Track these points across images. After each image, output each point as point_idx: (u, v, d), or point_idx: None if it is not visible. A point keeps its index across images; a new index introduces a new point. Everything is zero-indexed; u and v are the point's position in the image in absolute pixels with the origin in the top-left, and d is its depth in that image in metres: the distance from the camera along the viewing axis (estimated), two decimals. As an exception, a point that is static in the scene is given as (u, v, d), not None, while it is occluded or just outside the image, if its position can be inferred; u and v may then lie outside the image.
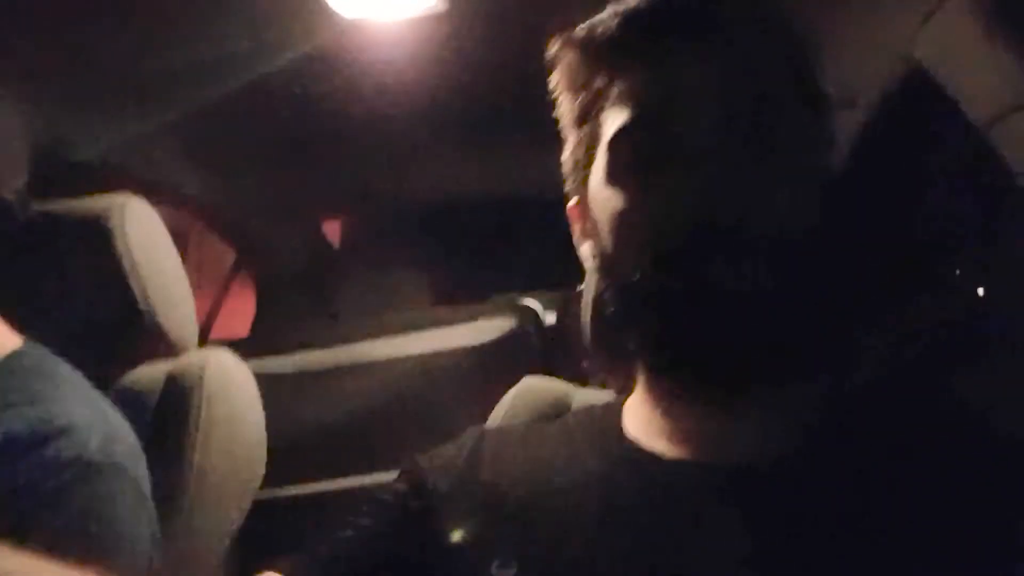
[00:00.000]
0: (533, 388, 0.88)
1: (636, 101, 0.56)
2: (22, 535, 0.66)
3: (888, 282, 0.83)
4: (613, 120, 0.57)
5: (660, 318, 0.54)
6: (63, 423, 0.73)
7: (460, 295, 1.91)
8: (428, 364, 1.44)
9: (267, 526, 1.18)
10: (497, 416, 0.87)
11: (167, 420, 0.97)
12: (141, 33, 1.16)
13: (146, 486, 0.80)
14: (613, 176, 0.57)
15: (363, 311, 2.03)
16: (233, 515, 1.03)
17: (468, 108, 1.44)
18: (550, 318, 1.60)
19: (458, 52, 1.21)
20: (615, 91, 0.57)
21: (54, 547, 0.66)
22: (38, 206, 1.02)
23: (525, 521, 0.57)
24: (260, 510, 1.14)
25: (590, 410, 0.67)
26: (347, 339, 1.58)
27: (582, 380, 0.94)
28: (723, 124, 0.53)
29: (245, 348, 1.60)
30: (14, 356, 0.81)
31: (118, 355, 1.03)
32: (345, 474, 1.34)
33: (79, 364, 0.87)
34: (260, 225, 2.01)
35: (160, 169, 1.58)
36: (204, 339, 2.16)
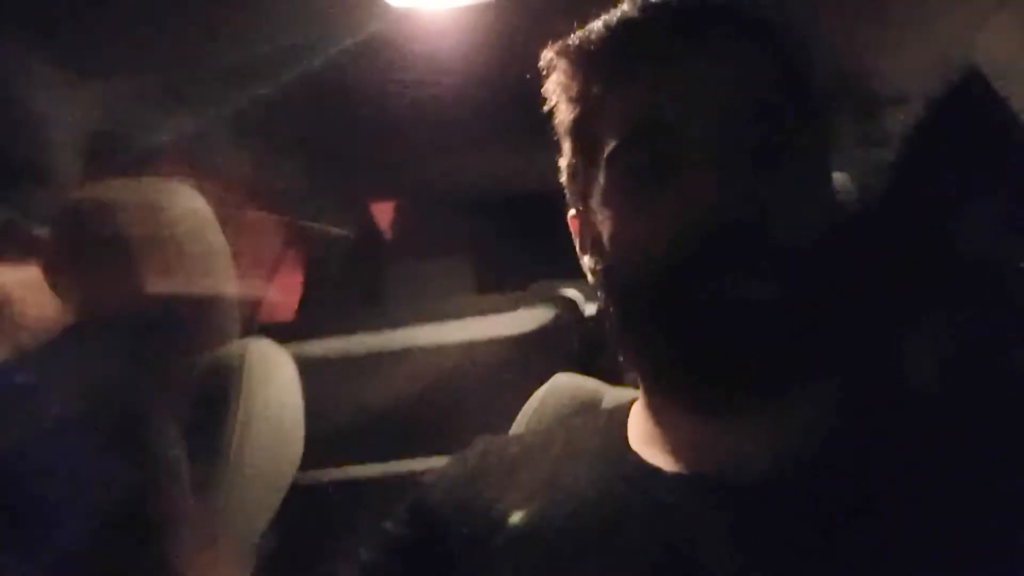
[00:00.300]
0: (562, 386, 0.88)
1: (633, 114, 0.55)
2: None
3: (916, 291, 0.80)
4: (611, 134, 0.56)
5: (664, 330, 0.53)
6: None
7: (505, 284, 1.91)
8: (468, 352, 1.44)
9: (307, 509, 1.21)
10: (526, 414, 0.87)
11: (208, 407, 1.00)
12: (202, 29, 1.18)
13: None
14: (614, 191, 0.56)
15: (409, 297, 2.05)
16: (271, 499, 1.05)
17: (517, 98, 1.44)
18: (590, 309, 1.59)
19: (508, 41, 1.20)
20: (611, 103, 0.56)
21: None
22: (91, 189, 1.05)
23: (525, 542, 0.57)
24: (300, 493, 1.17)
25: (599, 416, 0.67)
26: (391, 325, 1.59)
27: (620, 372, 0.93)
28: (721, 134, 0.52)
29: (291, 331, 1.64)
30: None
31: (165, 343, 1.05)
32: (385, 459, 1.36)
33: (127, 350, 0.89)
34: (309, 209, 2.04)
35: (213, 153, 1.61)
36: (253, 321, 2.21)
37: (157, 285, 1.01)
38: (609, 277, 0.58)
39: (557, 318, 1.45)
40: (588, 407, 0.85)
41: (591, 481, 0.58)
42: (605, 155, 0.56)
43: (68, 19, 1.06)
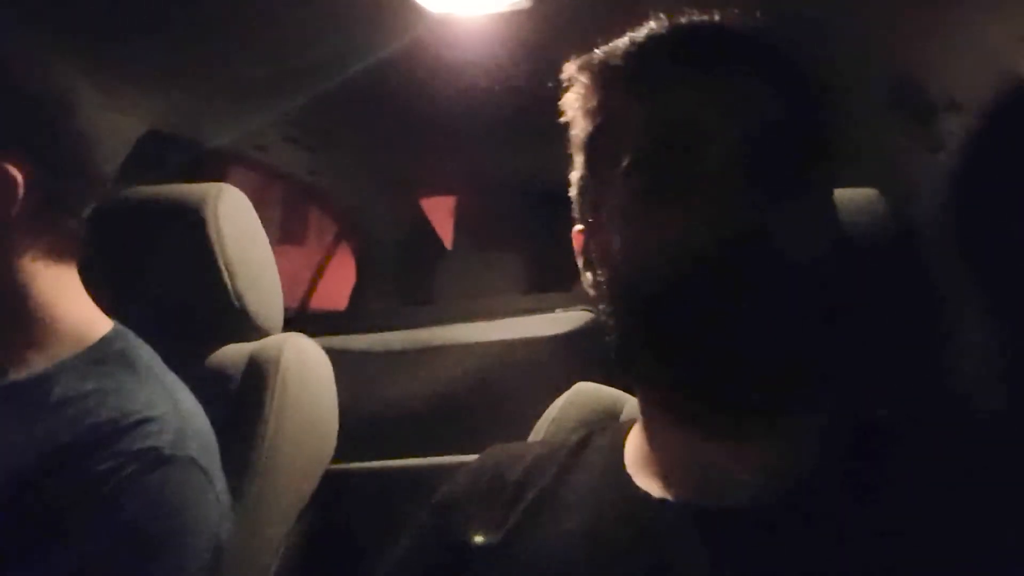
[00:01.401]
0: (582, 396, 0.89)
1: (652, 130, 0.55)
2: (92, 521, 0.73)
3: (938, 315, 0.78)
4: (629, 148, 0.56)
5: (669, 348, 0.54)
6: (140, 416, 0.79)
7: (552, 283, 1.92)
8: (506, 351, 1.46)
9: (341, 498, 1.25)
10: (545, 421, 0.88)
11: (246, 398, 1.04)
12: (252, 37, 1.23)
13: (218, 477, 0.85)
14: (628, 205, 0.56)
15: (457, 294, 2.08)
16: (302, 489, 1.09)
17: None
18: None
19: (546, 42, 1.21)
20: (631, 118, 0.57)
21: (121, 535, 0.73)
22: (138, 189, 1.10)
23: (512, 557, 0.58)
24: (334, 482, 1.21)
25: (606, 434, 0.67)
26: (437, 322, 1.62)
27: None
28: (739, 156, 0.52)
29: (340, 323, 1.68)
30: (104, 341, 0.87)
31: (207, 336, 1.10)
32: (420, 453, 1.39)
33: (170, 343, 0.93)
34: (360, 204, 2.08)
35: (266, 151, 1.66)
36: (305, 308, 2.28)
37: (193, 284, 1.06)
38: (615, 291, 0.58)
39: (592, 321, 1.45)
40: (607, 418, 0.86)
41: (584, 502, 0.59)
42: (622, 168, 0.56)
43: (118, 27, 1.11)
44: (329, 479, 1.17)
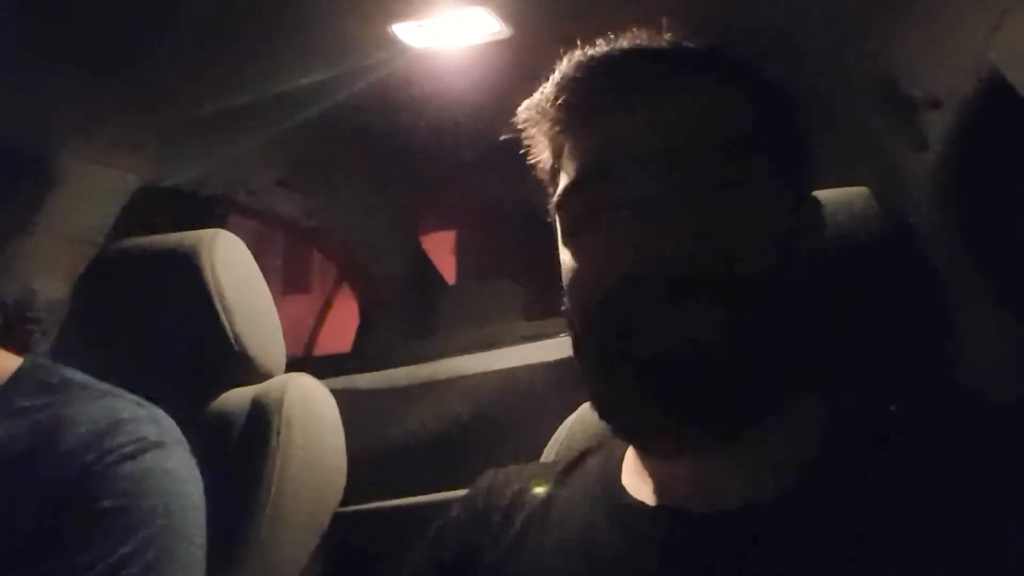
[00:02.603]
0: (589, 417, 0.88)
1: (576, 163, 0.58)
2: (109, 520, 0.72)
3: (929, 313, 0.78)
4: (562, 181, 0.59)
5: (605, 377, 0.55)
6: (112, 420, 0.77)
7: (552, 309, 1.91)
8: (510, 379, 1.45)
9: (356, 539, 1.23)
10: (555, 443, 0.88)
11: (250, 441, 1.03)
12: (230, 69, 1.24)
13: (194, 462, 0.84)
14: (562, 236, 0.59)
15: (459, 326, 2.08)
16: (311, 531, 1.08)
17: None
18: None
19: (528, 71, 1.23)
20: (564, 155, 0.60)
21: (144, 527, 0.72)
22: (133, 240, 1.11)
23: (506, 568, 0.59)
24: (348, 523, 1.19)
25: (602, 450, 0.67)
26: (441, 354, 1.61)
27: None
28: (650, 182, 0.54)
29: (344, 365, 1.68)
30: (18, 377, 0.83)
31: (209, 381, 1.09)
32: (432, 488, 1.37)
33: (172, 391, 0.93)
34: (359, 243, 2.09)
35: (257, 196, 1.67)
36: (310, 351, 2.27)
37: (192, 331, 1.06)
38: (568, 319, 0.59)
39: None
40: (612, 437, 0.85)
41: (581, 515, 0.60)
42: (555, 201, 0.59)
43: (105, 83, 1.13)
44: (339, 522, 1.15)
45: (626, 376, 0.52)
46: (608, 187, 0.55)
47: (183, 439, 0.84)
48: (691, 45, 0.58)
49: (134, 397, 0.84)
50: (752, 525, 0.51)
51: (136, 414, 0.80)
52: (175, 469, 0.78)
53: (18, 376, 0.83)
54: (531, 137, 0.63)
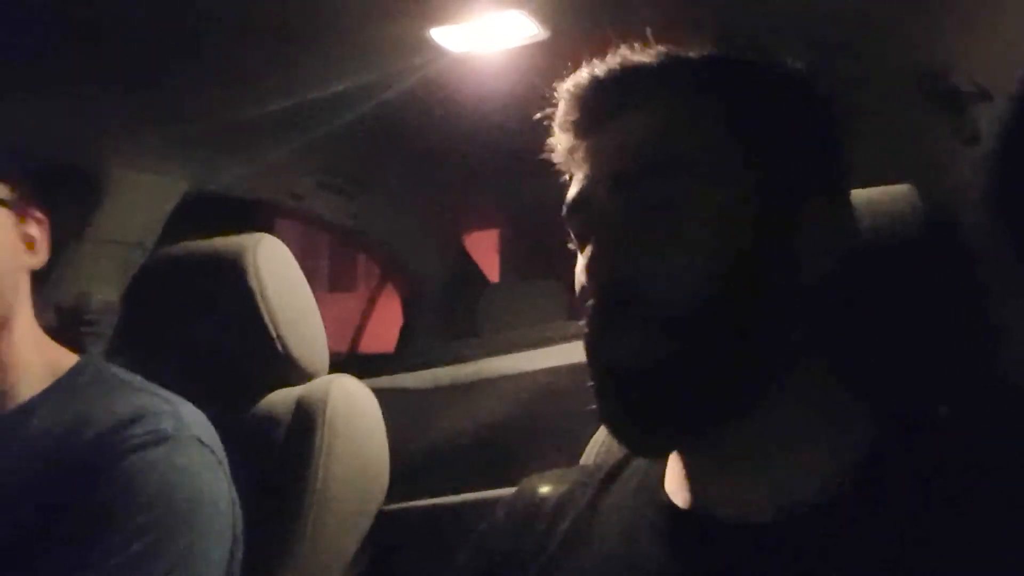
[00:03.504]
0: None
1: (573, 181, 0.60)
2: (110, 509, 0.75)
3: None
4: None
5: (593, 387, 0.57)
6: (134, 415, 0.80)
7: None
8: (553, 379, 1.45)
9: (399, 536, 1.25)
10: (595, 444, 0.87)
11: (295, 441, 1.05)
12: (270, 76, 1.26)
13: (223, 456, 0.86)
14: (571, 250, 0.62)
15: (503, 326, 2.08)
16: (356, 530, 1.10)
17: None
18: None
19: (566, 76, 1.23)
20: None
21: (140, 515, 0.74)
22: (180, 245, 1.14)
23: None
24: (391, 521, 1.21)
25: None
26: (484, 354, 1.62)
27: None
28: (612, 201, 0.55)
29: (388, 364, 1.69)
30: (74, 372, 0.88)
31: (254, 382, 1.12)
32: (475, 487, 1.38)
33: (218, 391, 0.95)
34: (400, 243, 2.11)
35: (302, 200, 1.70)
36: (354, 351, 2.30)
37: (237, 334, 1.08)
38: None
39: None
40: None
41: (624, 524, 0.59)
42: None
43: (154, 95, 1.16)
44: (383, 519, 1.17)
45: (594, 387, 0.56)
46: (572, 214, 0.58)
47: (208, 436, 0.85)
48: (665, 58, 0.58)
49: (166, 394, 0.87)
50: (786, 536, 0.50)
51: (159, 408, 0.83)
52: (185, 464, 0.80)
53: (75, 371, 0.88)
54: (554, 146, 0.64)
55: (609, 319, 0.54)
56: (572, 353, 1.50)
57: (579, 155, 0.59)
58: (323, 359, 1.18)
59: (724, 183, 0.54)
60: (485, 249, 2.51)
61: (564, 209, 0.59)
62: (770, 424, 0.54)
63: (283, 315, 1.10)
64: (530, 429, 1.38)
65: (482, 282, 2.35)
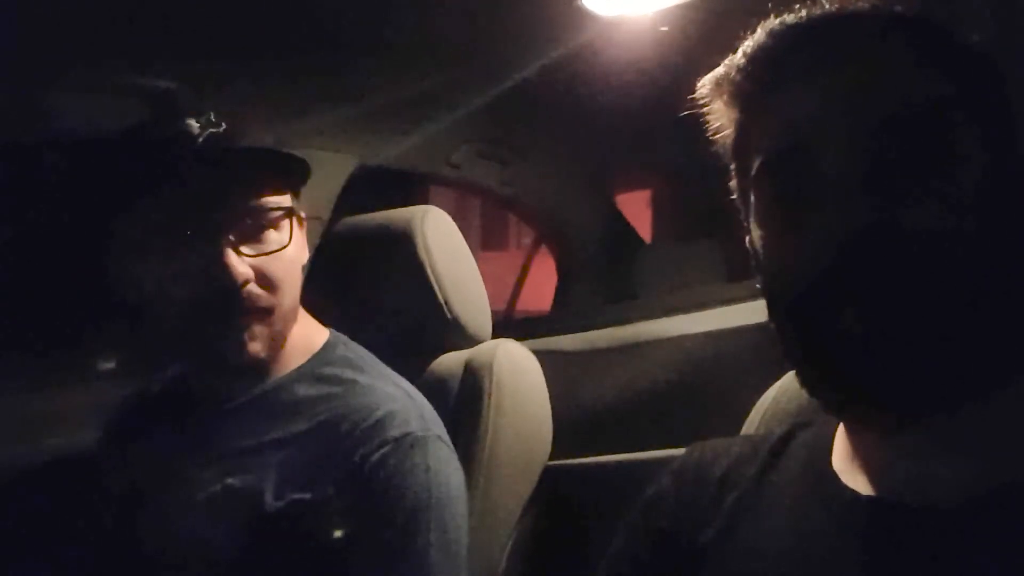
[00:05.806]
0: (794, 386, 0.86)
1: (771, 139, 0.55)
2: (374, 507, 0.82)
3: None
4: (757, 156, 0.56)
5: (809, 353, 0.54)
6: (384, 411, 0.87)
7: (753, 270, 1.85)
8: (712, 343, 1.44)
9: (564, 490, 1.29)
10: (759, 412, 0.87)
11: (465, 403, 1.12)
12: (427, 53, 1.31)
13: (453, 454, 0.92)
14: (759, 213, 0.57)
15: (658, 287, 2.07)
16: (523, 486, 1.15)
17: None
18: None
19: (722, 34, 1.20)
20: (756, 130, 0.57)
21: (405, 516, 0.81)
22: (355, 218, 1.22)
23: (718, 557, 0.59)
24: (556, 476, 1.26)
25: (810, 428, 0.65)
26: (641, 317, 1.63)
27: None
28: (854, 158, 0.51)
29: (545, 325, 1.73)
30: (326, 348, 0.97)
31: (426, 346, 1.19)
32: (632, 449, 1.40)
33: (394, 355, 1.03)
34: (554, 207, 2.13)
35: (460, 168, 1.76)
36: (511, 312, 2.36)
37: (410, 300, 1.15)
38: (765, 299, 0.59)
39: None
40: (819, 409, 0.83)
41: (792, 501, 0.59)
42: (751, 179, 0.57)
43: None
44: (548, 476, 1.22)
45: (844, 353, 0.51)
46: (808, 164, 0.53)
47: (443, 430, 0.92)
48: (891, 9, 0.55)
49: (405, 385, 0.94)
50: (975, 521, 0.49)
51: (405, 406, 0.89)
52: (436, 466, 0.86)
53: (326, 347, 0.96)
54: (713, 111, 0.62)
55: (895, 270, 0.49)
56: (733, 317, 1.48)
57: (797, 97, 0.54)
58: (486, 325, 1.24)
59: (992, 125, 0.52)
60: (638, 209, 2.49)
61: (774, 154, 0.55)
62: (1005, 405, 0.51)
63: (450, 283, 1.16)
64: (690, 394, 1.38)
65: (636, 243, 2.34)
